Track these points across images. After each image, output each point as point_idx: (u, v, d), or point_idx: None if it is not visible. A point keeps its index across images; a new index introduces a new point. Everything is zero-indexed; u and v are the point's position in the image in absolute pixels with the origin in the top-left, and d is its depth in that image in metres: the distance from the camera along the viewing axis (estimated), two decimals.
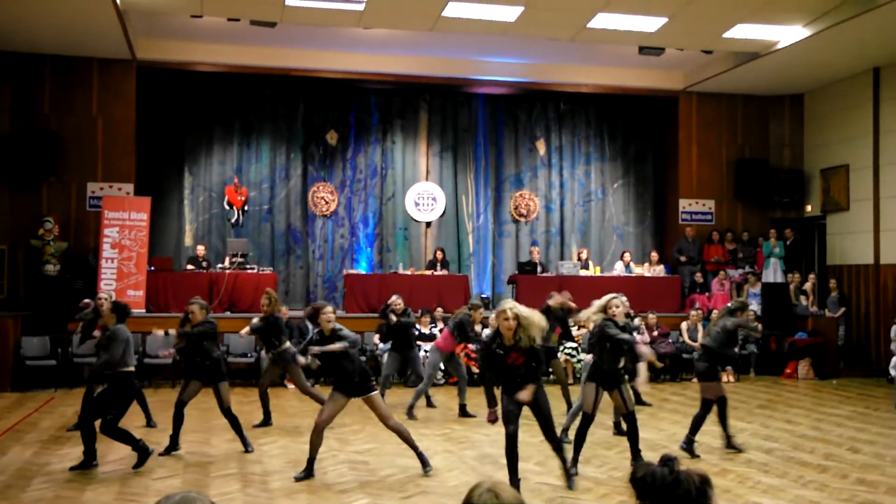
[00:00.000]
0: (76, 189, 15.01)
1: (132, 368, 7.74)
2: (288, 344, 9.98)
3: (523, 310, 6.66)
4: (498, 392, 6.96)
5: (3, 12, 12.64)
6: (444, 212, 17.50)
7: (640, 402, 11.28)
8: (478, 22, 13.32)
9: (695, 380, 13.13)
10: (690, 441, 8.35)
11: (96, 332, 9.01)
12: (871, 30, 13.20)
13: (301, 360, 7.78)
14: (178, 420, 8.33)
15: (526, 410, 6.82)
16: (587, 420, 7.62)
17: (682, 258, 17.06)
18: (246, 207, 16.42)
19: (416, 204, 17.40)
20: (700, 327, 14.59)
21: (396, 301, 11.13)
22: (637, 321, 14.07)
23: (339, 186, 17.17)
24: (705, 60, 16.20)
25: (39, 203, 14.75)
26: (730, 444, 8.56)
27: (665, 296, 16.21)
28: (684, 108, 17.62)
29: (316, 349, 7.39)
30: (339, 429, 9.43)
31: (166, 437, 8.40)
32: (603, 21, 13.23)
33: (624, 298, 7.72)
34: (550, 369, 10.63)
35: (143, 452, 7.59)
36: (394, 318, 11.00)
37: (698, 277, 16.67)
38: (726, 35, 13.94)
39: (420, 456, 7.50)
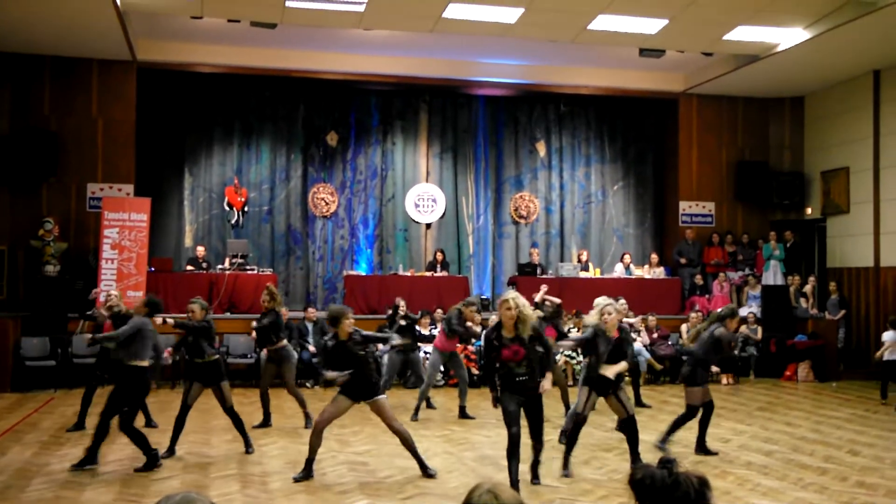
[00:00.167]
0: (76, 190, 15.02)
1: (146, 364, 7.74)
2: (285, 342, 9.98)
3: (524, 302, 6.80)
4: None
5: (3, 13, 12.65)
6: (444, 213, 17.51)
7: (639, 403, 11.30)
8: (478, 23, 13.32)
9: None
10: (665, 440, 8.34)
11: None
12: (872, 32, 13.20)
13: (332, 375, 7.36)
14: (179, 425, 8.32)
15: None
16: (579, 421, 7.63)
17: (682, 260, 17.07)
18: (246, 208, 16.44)
19: (416, 205, 17.41)
20: None
21: (403, 305, 11.27)
22: (635, 320, 14.11)
23: (340, 187, 17.18)
24: (706, 62, 16.22)
25: (39, 204, 14.76)
26: (701, 449, 8.49)
27: (665, 298, 16.21)
28: (684, 110, 17.63)
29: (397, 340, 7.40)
30: (338, 430, 9.42)
31: (166, 438, 8.39)
32: (603, 23, 13.24)
33: (622, 302, 7.70)
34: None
35: (152, 461, 7.58)
36: (403, 322, 11.15)
37: (698, 279, 16.67)
38: (727, 37, 13.95)
39: (420, 461, 7.48)
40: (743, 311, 16.00)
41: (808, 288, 16.27)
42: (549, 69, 16.87)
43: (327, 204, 17.00)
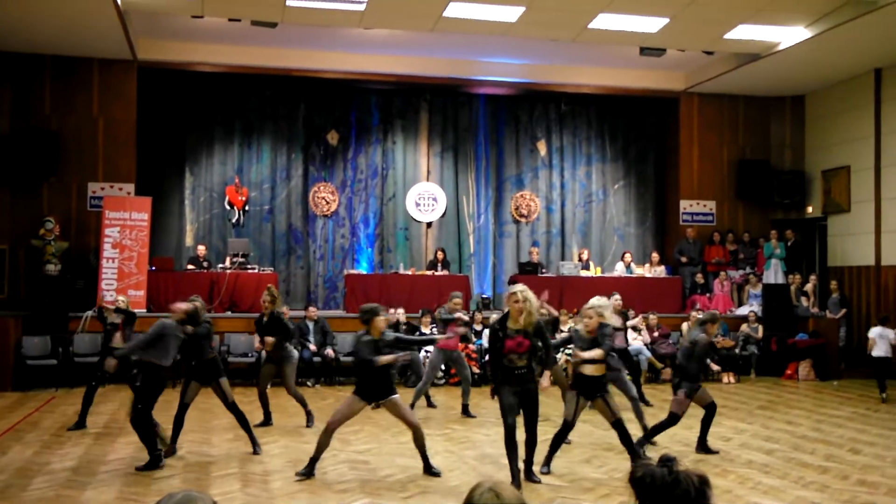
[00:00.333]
0: (77, 189, 15.03)
1: (164, 364, 7.76)
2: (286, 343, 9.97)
3: (532, 296, 6.93)
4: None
5: (4, 13, 12.65)
6: (444, 212, 17.51)
7: (643, 401, 11.28)
8: (479, 22, 13.32)
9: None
10: (642, 443, 8.29)
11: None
12: (873, 31, 13.19)
13: (385, 359, 7.18)
14: (178, 424, 8.32)
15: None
16: (566, 427, 7.63)
17: (683, 259, 17.06)
18: (247, 207, 16.45)
19: (417, 204, 17.41)
20: None
21: (401, 313, 11.35)
22: (636, 320, 14.10)
23: (340, 187, 17.18)
24: (706, 61, 16.21)
25: (40, 203, 14.77)
26: (702, 448, 8.49)
27: (666, 296, 16.21)
28: (685, 108, 17.62)
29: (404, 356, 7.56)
30: (339, 429, 9.42)
31: (166, 437, 8.39)
32: (604, 22, 13.23)
33: (615, 297, 7.64)
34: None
35: (155, 461, 7.58)
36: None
37: (699, 278, 16.67)
38: (727, 36, 13.94)
39: (425, 460, 7.49)
40: (744, 310, 16.03)
41: (809, 287, 16.26)
42: (549, 68, 16.86)
43: (328, 203, 17.01)
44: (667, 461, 2.31)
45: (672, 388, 8.66)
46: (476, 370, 13.25)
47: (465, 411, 10.66)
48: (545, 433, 7.86)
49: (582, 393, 7.55)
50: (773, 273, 16.51)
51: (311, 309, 14.13)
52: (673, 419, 8.23)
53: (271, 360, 9.86)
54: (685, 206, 17.60)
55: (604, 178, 18.28)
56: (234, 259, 14.90)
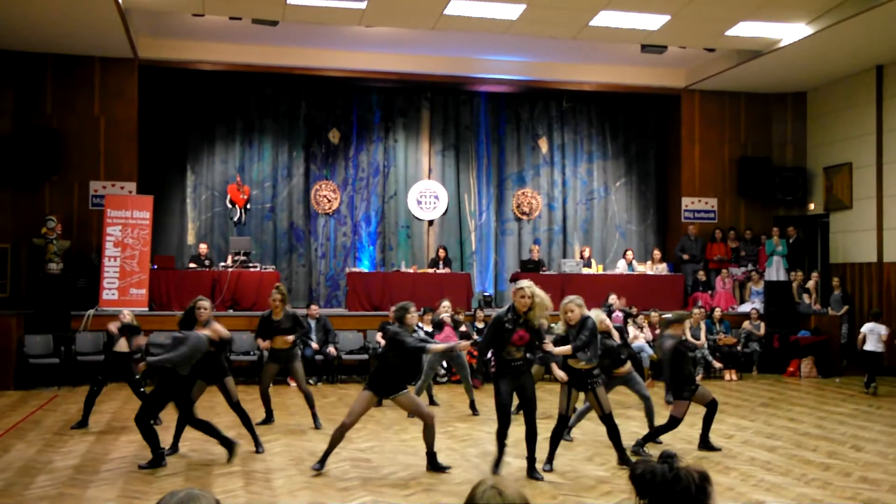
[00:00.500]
0: (78, 188, 15.04)
1: (185, 374, 7.77)
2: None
3: (539, 291, 7.16)
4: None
5: (5, 11, 12.66)
6: (446, 210, 17.51)
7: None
8: (480, 20, 13.31)
9: (700, 376, 13.18)
10: (642, 444, 8.29)
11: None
12: (875, 28, 13.17)
13: (439, 347, 7.63)
14: (182, 422, 8.32)
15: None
16: (561, 421, 7.66)
17: (685, 256, 17.06)
18: (248, 206, 16.46)
19: (419, 202, 17.41)
20: (703, 325, 14.59)
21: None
22: (632, 318, 14.08)
23: (342, 185, 17.19)
24: (708, 58, 16.19)
25: (42, 202, 14.78)
26: (704, 445, 8.50)
27: (667, 294, 16.20)
28: (687, 105, 17.61)
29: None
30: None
31: (168, 435, 8.40)
32: (605, 19, 13.22)
33: (577, 300, 7.59)
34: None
35: (157, 459, 7.60)
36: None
37: (701, 275, 16.66)
38: (729, 33, 13.92)
39: (431, 455, 7.52)
40: (746, 308, 16.03)
41: (810, 284, 16.25)
42: (550, 66, 16.85)
43: (329, 201, 17.01)
44: (667, 458, 2.32)
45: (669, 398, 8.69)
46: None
47: (473, 407, 10.73)
48: (544, 431, 7.85)
49: (573, 386, 7.58)
50: (775, 270, 16.50)
51: (313, 307, 14.13)
52: (673, 423, 8.22)
53: (277, 358, 9.80)
54: (687, 203, 17.59)
55: (605, 176, 18.28)
56: (236, 257, 14.91)
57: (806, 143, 17.69)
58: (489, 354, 7.57)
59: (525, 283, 7.18)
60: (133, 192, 15.07)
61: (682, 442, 8.77)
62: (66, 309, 13.51)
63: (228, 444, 7.84)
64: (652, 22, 13.45)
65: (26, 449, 8.41)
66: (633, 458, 7.73)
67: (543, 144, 18.08)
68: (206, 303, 8.52)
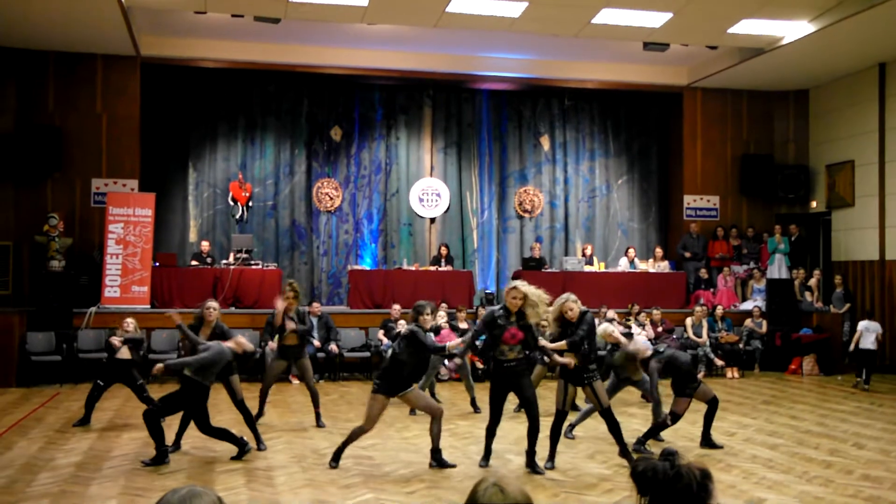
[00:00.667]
0: (80, 185, 15.05)
1: (206, 384, 7.75)
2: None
3: (532, 290, 7.20)
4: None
5: (7, 9, 12.67)
6: (448, 208, 17.51)
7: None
8: (482, 18, 13.31)
9: (701, 374, 13.17)
10: (643, 441, 8.28)
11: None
12: (877, 25, 13.16)
13: (453, 344, 7.69)
14: (185, 419, 8.33)
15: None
16: (559, 416, 7.65)
17: (687, 254, 17.05)
18: (250, 203, 16.46)
19: (421, 200, 17.41)
20: (704, 323, 14.59)
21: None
22: (627, 320, 14.08)
23: (344, 182, 17.19)
24: (710, 56, 16.16)
25: (44, 199, 14.79)
26: (706, 443, 8.50)
27: (670, 291, 16.20)
28: (689, 103, 17.60)
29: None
30: (342, 424, 9.46)
31: (171, 432, 8.39)
32: (607, 17, 13.21)
33: (573, 297, 7.62)
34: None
35: (161, 456, 7.61)
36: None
37: (703, 273, 16.65)
38: (731, 30, 13.91)
39: (436, 450, 7.54)
40: (748, 305, 16.03)
41: (812, 281, 16.24)
42: (552, 63, 16.84)
43: (331, 199, 17.01)
44: (669, 455, 2.32)
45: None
46: (480, 365, 13.25)
47: (474, 404, 10.75)
48: (545, 429, 7.85)
49: (569, 380, 7.58)
50: (777, 268, 16.49)
51: (315, 305, 14.13)
52: (673, 419, 8.22)
53: (286, 355, 9.80)
54: (689, 201, 17.58)
55: (607, 173, 18.27)
56: (238, 255, 14.92)
57: (808, 140, 17.67)
58: (478, 342, 7.77)
59: (517, 283, 7.25)
60: (135, 190, 15.08)
61: (683, 440, 8.77)
62: (68, 306, 13.53)
63: (241, 445, 7.86)
64: (654, 19, 13.44)
65: (28, 446, 8.42)
66: (634, 456, 7.74)
67: (545, 142, 18.07)
68: (214, 304, 8.53)
